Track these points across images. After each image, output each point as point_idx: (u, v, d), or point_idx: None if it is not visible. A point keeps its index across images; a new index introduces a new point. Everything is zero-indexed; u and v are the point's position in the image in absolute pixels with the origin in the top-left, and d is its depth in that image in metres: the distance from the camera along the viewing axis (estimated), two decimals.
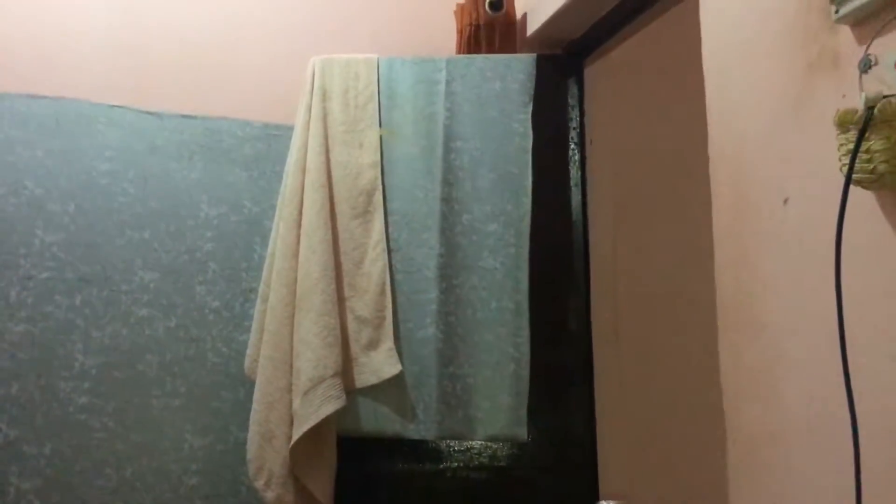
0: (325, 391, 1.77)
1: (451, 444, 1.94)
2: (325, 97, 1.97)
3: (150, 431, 1.92)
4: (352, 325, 1.88)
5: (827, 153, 1.02)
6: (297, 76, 2.02)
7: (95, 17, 2.02)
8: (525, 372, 1.86)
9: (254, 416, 1.82)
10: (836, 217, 0.95)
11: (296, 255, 1.87)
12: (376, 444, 1.90)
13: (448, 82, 1.97)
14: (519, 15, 2.12)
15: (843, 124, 0.94)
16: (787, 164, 1.13)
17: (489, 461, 1.94)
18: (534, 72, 1.97)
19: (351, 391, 1.84)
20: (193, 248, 2.01)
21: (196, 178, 2.04)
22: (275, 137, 2.10)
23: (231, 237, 2.05)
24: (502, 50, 2.06)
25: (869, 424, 0.94)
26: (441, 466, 1.94)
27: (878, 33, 0.97)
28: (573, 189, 2.05)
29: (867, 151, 0.91)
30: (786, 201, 1.12)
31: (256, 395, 1.82)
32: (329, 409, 1.76)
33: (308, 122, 1.94)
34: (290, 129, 1.99)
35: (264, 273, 1.93)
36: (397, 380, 1.84)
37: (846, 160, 0.94)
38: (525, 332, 1.87)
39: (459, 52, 2.13)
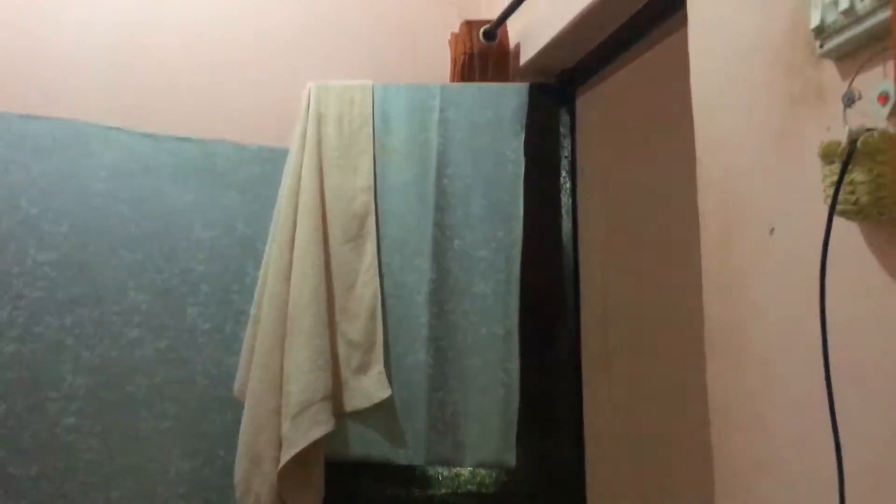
0: (315, 415, 1.76)
1: (440, 469, 1.93)
2: (320, 122, 1.99)
3: (137, 454, 1.91)
4: (342, 349, 1.88)
5: (812, 184, 1.04)
6: (292, 100, 2.04)
7: (93, 38, 2.04)
8: (514, 398, 1.85)
9: (242, 439, 1.81)
10: (820, 247, 0.97)
11: (288, 277, 1.87)
12: (364, 469, 1.89)
13: (442, 109, 1.99)
14: (512, 44, 2.15)
15: (827, 156, 0.96)
16: (773, 195, 1.15)
17: (477, 488, 1.93)
18: (526, 100, 2.00)
19: (340, 415, 1.83)
20: (186, 270, 2.01)
21: (190, 199, 2.04)
22: (269, 161, 2.11)
23: (224, 259, 2.05)
24: (495, 78, 2.09)
25: (853, 453, 0.94)
26: (429, 492, 1.93)
27: (862, 68, 1.00)
28: (564, 217, 2.06)
29: (851, 183, 0.93)
30: (772, 231, 1.14)
31: (245, 418, 1.81)
32: (318, 432, 1.75)
33: (303, 147, 1.96)
34: (285, 152, 2.00)
35: (256, 295, 1.93)
36: (386, 404, 1.84)
37: (830, 191, 0.95)
38: (515, 358, 1.87)
39: (453, 79, 2.15)
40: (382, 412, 1.85)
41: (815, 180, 1.01)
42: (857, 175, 0.92)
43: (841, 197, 0.94)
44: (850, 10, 0.97)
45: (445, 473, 1.93)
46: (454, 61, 2.16)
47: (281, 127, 2.07)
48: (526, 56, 2.09)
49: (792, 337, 1.09)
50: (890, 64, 0.93)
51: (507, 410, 1.85)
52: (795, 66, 1.11)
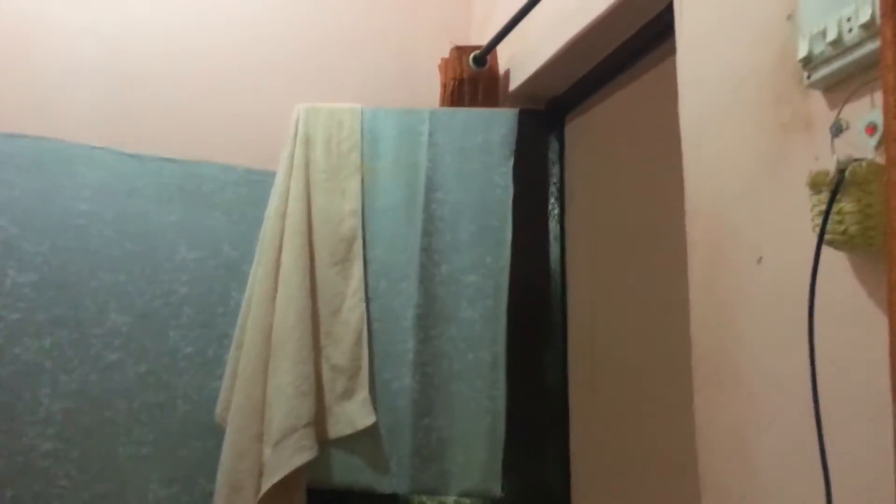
0: (297, 441, 1.74)
1: (424, 498, 1.90)
2: (308, 144, 1.98)
3: (114, 480, 1.86)
4: (327, 374, 1.85)
5: (800, 214, 1.03)
6: (280, 122, 2.03)
7: (79, 58, 2.03)
8: (501, 425, 1.83)
9: (222, 466, 1.77)
10: (808, 277, 0.96)
11: (273, 300, 1.85)
12: (348, 497, 1.86)
13: (431, 133, 1.99)
14: (502, 70, 2.15)
15: (815, 186, 0.96)
16: (761, 224, 1.14)
17: None
18: (515, 126, 1.99)
19: (323, 442, 1.80)
20: (169, 292, 1.99)
21: (174, 221, 2.02)
22: (256, 182, 2.10)
23: (208, 282, 2.03)
24: (485, 104, 2.09)
25: (842, 484, 0.93)
26: None
27: (849, 99, 1.00)
28: (552, 243, 2.06)
29: (839, 213, 0.92)
30: (760, 260, 1.13)
31: (226, 444, 1.78)
32: (300, 459, 1.72)
33: (290, 169, 1.95)
34: (272, 174, 1.99)
35: (240, 319, 1.90)
36: (371, 431, 1.81)
37: (819, 221, 0.95)
38: (501, 385, 1.85)
39: (443, 104, 2.15)
40: (366, 439, 1.82)
41: (804, 210, 1.00)
42: (845, 205, 0.92)
43: (829, 227, 0.94)
44: (837, 41, 0.98)
45: (430, 502, 1.90)
46: (444, 86, 2.16)
47: (268, 149, 2.06)
48: (515, 82, 2.10)
49: (780, 368, 1.08)
50: (878, 94, 0.92)
51: (494, 438, 1.83)
52: (784, 96, 1.11)
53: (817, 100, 1.05)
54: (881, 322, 0.92)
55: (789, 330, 1.05)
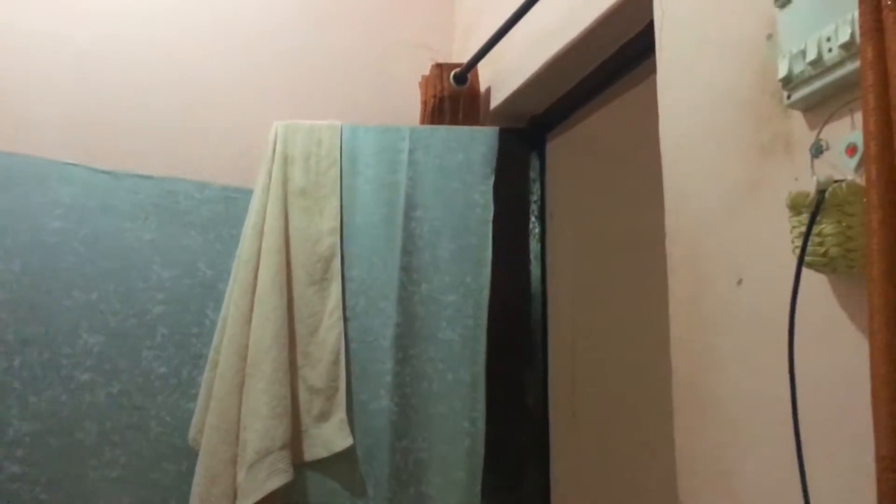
0: (272, 464, 1.70)
1: None
2: (286, 162, 1.96)
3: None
4: (303, 396, 1.82)
5: (780, 235, 1.02)
6: (258, 139, 2.01)
7: (52, 71, 2.00)
8: (480, 448, 1.80)
9: (195, 490, 1.73)
10: (789, 299, 0.95)
11: (249, 320, 1.82)
12: None
13: (411, 151, 1.97)
14: (483, 88, 2.14)
15: (795, 207, 0.95)
16: (741, 245, 1.13)
17: None
18: (496, 144, 1.98)
19: (299, 464, 1.77)
20: (142, 312, 1.94)
21: (149, 239, 1.98)
22: (233, 200, 2.06)
23: (183, 301, 1.99)
24: (466, 122, 2.08)
25: None
26: None
27: (829, 119, 0.99)
28: (533, 262, 2.04)
29: (819, 235, 0.91)
30: (740, 282, 1.12)
31: (199, 468, 1.74)
32: (275, 483, 1.69)
33: (268, 186, 1.92)
34: (250, 192, 1.97)
35: (215, 339, 1.87)
36: (348, 453, 1.78)
37: (799, 242, 0.93)
38: (481, 407, 1.83)
39: (423, 122, 2.14)
40: (343, 461, 1.79)
41: (784, 231, 0.99)
42: (825, 227, 0.90)
43: (809, 249, 0.92)
44: (817, 61, 0.97)
45: None
46: (424, 104, 2.15)
47: (246, 166, 2.04)
48: (496, 100, 2.09)
49: (760, 391, 1.06)
50: (858, 115, 0.91)
51: (473, 460, 1.80)
52: (764, 117, 1.10)
53: (797, 120, 1.04)
54: (862, 345, 0.90)
55: (769, 352, 1.03)
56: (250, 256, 1.86)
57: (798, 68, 1.00)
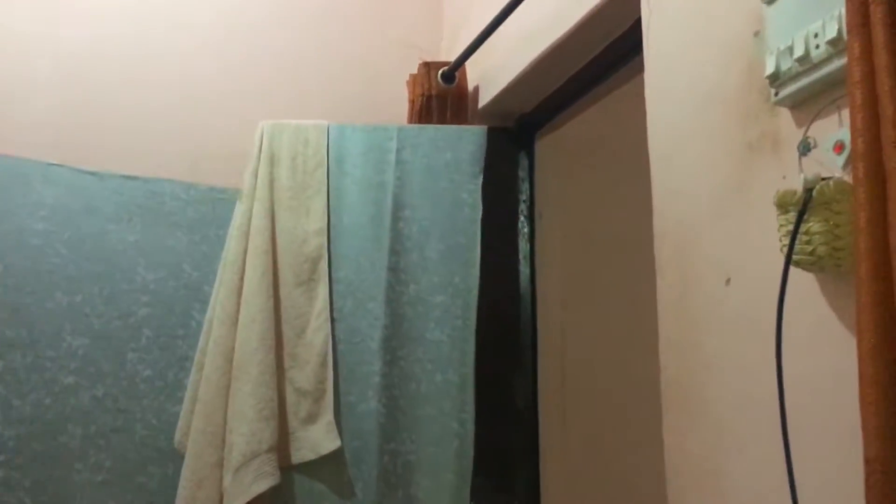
0: (259, 467, 1.69)
1: None
2: (272, 162, 1.94)
3: None
4: (290, 398, 1.80)
5: (768, 234, 1.01)
6: (245, 139, 1.99)
7: (36, 73, 1.97)
8: (469, 449, 1.79)
9: (181, 494, 1.72)
10: (777, 298, 0.94)
11: (235, 322, 1.80)
12: None
13: (398, 151, 1.96)
14: (471, 87, 2.13)
15: (782, 206, 0.94)
16: (729, 244, 1.12)
17: None
18: (484, 143, 1.97)
19: (286, 467, 1.75)
20: (127, 314, 1.92)
21: (134, 240, 1.96)
22: (219, 201, 2.04)
23: (168, 303, 1.96)
24: (454, 121, 2.06)
25: None
26: None
27: (817, 116, 0.98)
28: (522, 262, 2.03)
29: (807, 233, 0.90)
30: (728, 281, 1.11)
31: (184, 471, 1.72)
32: (261, 486, 1.67)
33: (254, 187, 1.91)
34: (236, 193, 1.95)
35: (201, 341, 1.85)
36: (335, 456, 1.76)
37: (786, 241, 0.92)
38: (470, 408, 1.82)
39: (411, 121, 2.12)
40: (331, 464, 1.77)
41: (772, 230, 0.98)
42: (813, 225, 0.89)
43: (797, 247, 0.91)
44: (804, 58, 0.96)
45: None
46: (412, 103, 2.13)
47: (232, 166, 2.01)
48: (485, 99, 2.07)
49: (748, 391, 1.05)
50: (846, 112, 0.90)
51: (462, 462, 1.79)
52: (751, 114, 1.09)
53: (785, 117, 1.03)
54: (850, 344, 0.89)
55: (757, 352, 1.03)
56: (236, 257, 1.84)
57: (785, 65, 0.99)
